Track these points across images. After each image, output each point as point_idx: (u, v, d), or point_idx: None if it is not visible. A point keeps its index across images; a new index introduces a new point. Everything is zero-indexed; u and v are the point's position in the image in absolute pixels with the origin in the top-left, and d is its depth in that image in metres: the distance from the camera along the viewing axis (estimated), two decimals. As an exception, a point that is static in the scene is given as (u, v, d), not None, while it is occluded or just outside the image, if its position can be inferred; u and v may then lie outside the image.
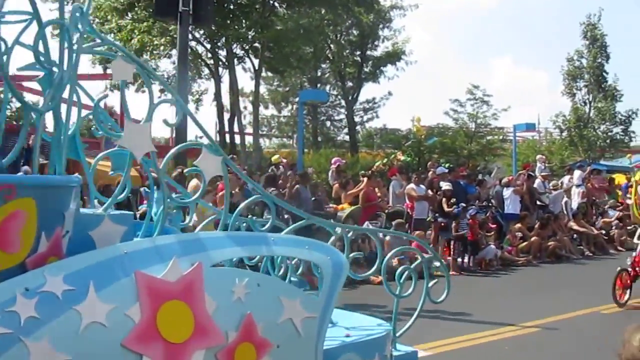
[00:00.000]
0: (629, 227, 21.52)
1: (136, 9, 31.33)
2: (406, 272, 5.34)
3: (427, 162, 26.06)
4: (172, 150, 4.44)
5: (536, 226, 20.67)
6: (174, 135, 25.60)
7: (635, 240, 13.36)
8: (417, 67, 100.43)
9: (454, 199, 18.55)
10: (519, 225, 20.58)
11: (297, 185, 16.83)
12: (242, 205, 4.78)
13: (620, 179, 28.35)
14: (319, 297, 4.11)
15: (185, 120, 15.18)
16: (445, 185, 18.94)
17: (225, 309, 3.59)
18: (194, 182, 15.28)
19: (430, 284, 5.56)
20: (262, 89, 47.83)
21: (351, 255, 5.01)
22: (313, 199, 17.86)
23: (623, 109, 43.15)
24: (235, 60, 35.10)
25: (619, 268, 12.78)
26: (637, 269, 12.90)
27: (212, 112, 64.07)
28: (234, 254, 4.10)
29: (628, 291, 12.67)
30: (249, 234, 4.60)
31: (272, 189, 15.52)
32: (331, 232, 4.99)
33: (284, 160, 21.26)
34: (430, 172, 21.58)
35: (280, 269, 5.16)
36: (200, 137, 55.00)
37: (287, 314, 3.87)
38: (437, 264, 17.33)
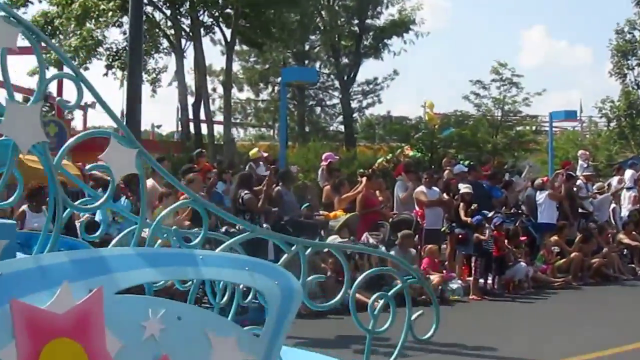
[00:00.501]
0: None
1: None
2: (382, 301, 5.14)
3: (442, 159, 26.10)
4: (70, 141, 4.18)
5: (577, 239, 20.73)
6: (124, 122, 25.55)
7: None
8: (431, 40, 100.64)
9: (475, 205, 18.53)
10: (555, 237, 20.61)
11: (278, 187, 16.85)
12: (164, 212, 4.64)
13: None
14: (262, 334, 3.94)
15: (138, 106, 15.10)
16: (463, 188, 18.95)
17: (133, 350, 3.39)
18: (149, 182, 15.27)
19: (414, 315, 5.32)
20: (236, 66, 47.80)
21: (310, 278, 4.80)
22: (307, 204, 17.91)
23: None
24: (202, 31, 35.11)
25: None
26: None
27: (173, 95, 64.12)
28: (148, 277, 3.85)
29: None
30: (170, 252, 4.39)
31: (246, 191, 15.56)
32: (284, 249, 4.77)
33: (265, 155, 21.31)
34: (446, 172, 21.60)
35: (224, 294, 4.94)
36: (159, 127, 54.04)
37: (217, 357, 3.69)
38: (455, 286, 17.49)
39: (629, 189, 24.29)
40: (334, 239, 16.38)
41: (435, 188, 19.30)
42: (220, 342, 3.72)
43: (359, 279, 5.27)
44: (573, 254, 20.20)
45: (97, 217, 13.90)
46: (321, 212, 18.59)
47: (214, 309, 4.73)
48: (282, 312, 4.03)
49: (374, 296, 5.12)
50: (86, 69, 33.36)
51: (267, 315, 4.01)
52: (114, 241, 4.99)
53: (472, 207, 18.38)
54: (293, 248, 4.72)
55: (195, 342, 3.66)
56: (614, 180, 24.85)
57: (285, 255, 4.67)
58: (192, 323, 3.69)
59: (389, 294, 5.18)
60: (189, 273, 4.01)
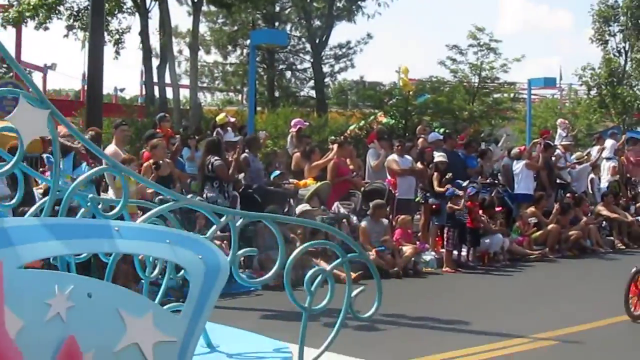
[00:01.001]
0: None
1: None
2: (319, 277, 4.97)
3: (417, 126, 26.10)
4: None
5: (554, 210, 20.85)
6: (86, 85, 25.40)
7: None
8: (406, 3, 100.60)
9: (450, 174, 18.49)
10: (532, 209, 20.73)
11: (245, 154, 16.81)
12: (81, 178, 4.51)
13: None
14: (183, 313, 3.75)
15: (100, 68, 14.94)
16: (438, 157, 18.94)
17: (36, 330, 3.24)
18: (110, 148, 15.21)
19: (354, 292, 5.19)
20: (203, 27, 47.45)
21: (240, 252, 4.63)
22: (278, 172, 17.90)
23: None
24: (168, -10, 34.78)
25: (634, 269, 12.27)
26: None
27: (137, 57, 63.63)
28: (55, 251, 3.67)
29: None
30: (81, 222, 4.17)
31: (216, 158, 15.51)
32: (212, 220, 4.60)
33: (232, 120, 21.23)
34: (420, 139, 21.62)
35: (154, 267, 4.75)
36: (122, 90, 53.98)
37: (130, 337, 3.51)
38: (428, 257, 17.56)
39: (608, 159, 24.39)
40: (303, 207, 16.38)
41: (407, 156, 19.32)
42: (134, 321, 3.53)
43: (294, 254, 5.04)
44: (550, 226, 20.31)
45: (57, 184, 13.83)
46: (291, 180, 18.55)
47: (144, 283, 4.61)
48: (206, 288, 3.85)
49: (311, 271, 4.98)
50: (46, 29, 33.02)
51: (189, 291, 3.85)
52: (31, 210, 4.83)
53: (447, 177, 18.38)
54: (223, 219, 4.52)
55: (107, 321, 3.48)
56: (594, 151, 24.94)
57: (213, 227, 4.50)
58: (104, 301, 3.51)
59: (328, 268, 5.16)
60: (104, 246, 3.83)
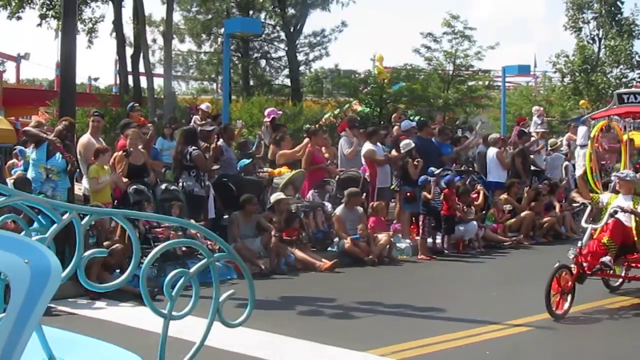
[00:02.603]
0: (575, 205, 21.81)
1: None
2: (182, 280, 4.40)
3: (392, 114, 26.15)
4: None
5: (525, 196, 20.93)
6: (59, 74, 25.26)
7: (583, 223, 12.70)
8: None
9: (418, 159, 18.37)
10: (505, 195, 20.79)
11: (219, 143, 16.82)
12: None
13: (639, 137, 28.73)
14: (2, 322, 3.33)
15: (74, 57, 14.86)
16: (403, 145, 18.86)
17: None
18: (85, 138, 15.17)
19: (222, 296, 4.56)
20: (177, 16, 47.23)
21: (87, 254, 4.09)
22: (247, 161, 17.92)
23: (642, 48, 43.74)
24: (141, -22, 34.64)
25: (557, 264, 11.76)
26: (584, 264, 11.97)
27: (111, 45, 63.30)
28: None
29: (569, 297, 11.67)
30: None
31: (194, 147, 15.54)
32: (53, 218, 4.06)
33: (204, 107, 21.17)
34: (396, 127, 21.65)
35: None
36: (96, 79, 53.52)
37: None
38: (403, 245, 17.62)
39: (582, 146, 24.50)
40: (277, 196, 16.40)
41: (379, 144, 19.35)
42: None
43: (152, 253, 4.42)
44: (524, 213, 20.41)
45: (30, 174, 13.77)
46: (266, 169, 18.57)
47: None
48: (32, 296, 3.42)
49: (172, 273, 4.37)
50: (19, 18, 32.86)
51: (10, 299, 3.42)
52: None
53: (416, 162, 18.30)
54: (65, 216, 4.02)
55: None
56: (564, 139, 25.13)
57: (54, 226, 4.04)
58: None
59: (191, 270, 4.45)
60: None
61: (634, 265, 12.87)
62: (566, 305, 11.59)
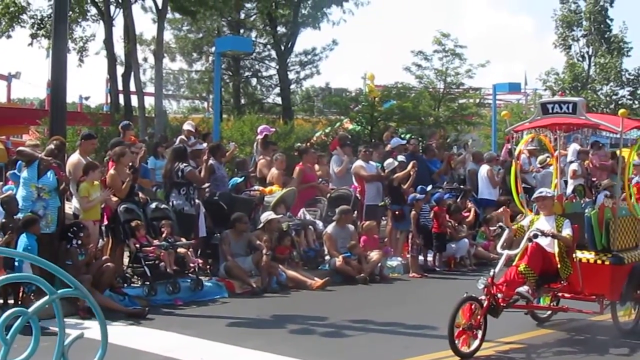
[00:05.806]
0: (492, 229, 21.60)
1: None
2: (19, 320, 4.09)
3: (383, 132, 26.18)
4: None
5: (518, 215, 20.94)
6: (50, 93, 25.24)
7: (498, 249, 11.72)
8: (371, 10, 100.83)
9: (407, 169, 18.59)
10: (497, 213, 20.78)
11: (211, 162, 16.83)
12: None
13: (627, 154, 28.80)
14: None
15: (64, 76, 14.84)
16: (388, 164, 18.91)
17: None
18: (74, 157, 15.14)
19: (68, 339, 4.35)
20: (168, 35, 47.29)
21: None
22: (238, 180, 17.95)
23: (631, 65, 43.99)
24: (132, -3, 34.69)
25: (465, 294, 10.69)
26: (498, 296, 10.93)
27: (102, 64, 63.41)
28: None
29: (479, 333, 10.53)
30: None
31: (185, 164, 15.58)
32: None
33: (191, 129, 21.17)
34: (388, 146, 21.68)
35: None
36: (87, 98, 53.52)
37: None
38: (394, 263, 17.61)
39: (572, 162, 24.61)
40: (268, 215, 16.40)
41: (372, 162, 19.37)
42: None
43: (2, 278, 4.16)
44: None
45: (20, 193, 13.72)
46: (256, 187, 18.56)
47: None
48: None
49: (9, 312, 4.07)
50: (9, 37, 32.83)
51: None
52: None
53: (405, 171, 18.38)
54: None
55: None
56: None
57: None
58: None
59: (30, 310, 4.12)
60: None
61: (560, 295, 12.06)
62: (475, 343, 10.42)
